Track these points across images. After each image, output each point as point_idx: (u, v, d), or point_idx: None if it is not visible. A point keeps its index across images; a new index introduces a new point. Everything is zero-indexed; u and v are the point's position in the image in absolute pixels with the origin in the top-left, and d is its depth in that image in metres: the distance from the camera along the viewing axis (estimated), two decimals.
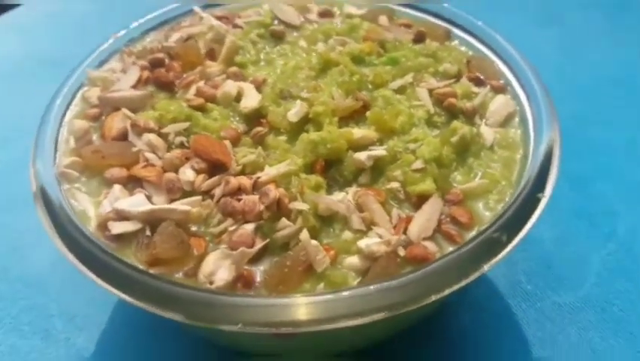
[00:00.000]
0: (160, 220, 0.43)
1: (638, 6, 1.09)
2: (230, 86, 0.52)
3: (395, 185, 0.45)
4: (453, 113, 0.51)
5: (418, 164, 0.46)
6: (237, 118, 0.52)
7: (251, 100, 0.50)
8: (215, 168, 0.46)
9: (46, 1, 1.14)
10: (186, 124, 0.48)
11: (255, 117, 0.51)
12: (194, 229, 0.44)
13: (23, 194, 0.73)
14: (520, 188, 0.44)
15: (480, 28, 0.59)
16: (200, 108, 0.51)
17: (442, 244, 0.43)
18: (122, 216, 0.43)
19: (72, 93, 0.54)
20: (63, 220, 0.43)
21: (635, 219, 0.70)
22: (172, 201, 0.44)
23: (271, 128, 0.50)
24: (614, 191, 0.75)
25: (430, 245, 0.42)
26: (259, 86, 0.53)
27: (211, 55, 0.57)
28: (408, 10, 0.65)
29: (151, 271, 0.41)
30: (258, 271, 0.41)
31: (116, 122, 0.50)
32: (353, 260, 0.41)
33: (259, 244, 0.42)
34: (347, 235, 0.42)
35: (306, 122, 0.50)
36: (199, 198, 0.44)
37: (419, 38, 0.59)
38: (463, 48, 0.60)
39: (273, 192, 0.42)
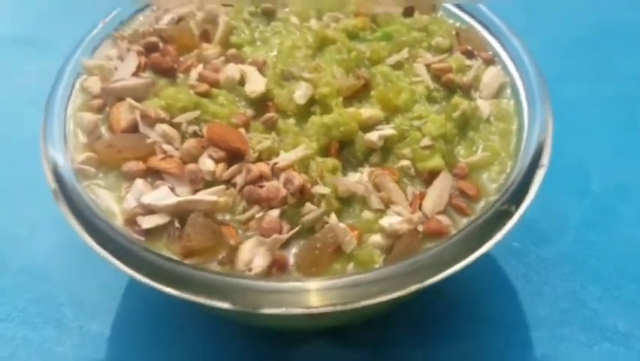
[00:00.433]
0: (187, 212, 0.44)
1: None
2: (233, 70, 0.53)
3: (405, 163, 0.48)
4: (451, 88, 0.53)
5: (426, 141, 0.48)
6: (243, 102, 0.52)
7: (257, 84, 0.51)
8: (233, 155, 0.47)
9: None
10: (197, 112, 0.49)
11: (261, 101, 0.52)
12: (220, 217, 0.45)
13: (9, 184, 0.73)
14: (520, 160, 0.48)
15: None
16: (206, 94, 0.52)
17: (454, 217, 0.46)
18: (149, 210, 0.44)
19: (71, 84, 0.53)
20: (92, 219, 0.43)
21: (607, 175, 0.75)
22: (195, 191, 0.45)
23: (278, 112, 0.51)
24: (587, 148, 0.79)
25: (444, 219, 0.46)
26: (260, 68, 0.54)
27: (205, 36, 0.58)
28: None
29: (186, 261, 0.42)
30: (290, 255, 0.43)
31: (123, 114, 0.50)
32: (376, 238, 0.44)
33: (287, 228, 0.44)
34: (368, 214, 0.45)
35: (312, 103, 0.51)
36: (223, 187, 0.45)
37: (408, 12, 0.60)
38: (450, 20, 0.62)
39: (298, 178, 0.44)
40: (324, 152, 0.48)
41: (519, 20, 0.96)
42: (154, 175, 0.47)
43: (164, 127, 0.48)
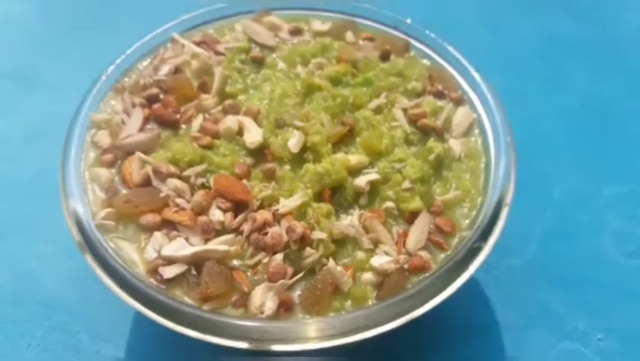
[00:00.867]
0: (202, 260, 0.50)
1: None
2: (231, 122, 0.59)
3: (390, 204, 0.55)
4: (425, 131, 0.60)
5: (407, 184, 0.55)
6: (243, 151, 0.58)
7: (254, 135, 0.58)
8: (239, 205, 0.53)
9: None
10: (203, 166, 0.55)
11: (258, 149, 0.58)
12: (231, 263, 0.51)
13: (13, 220, 0.77)
14: (488, 197, 0.55)
15: (434, 40, 0.68)
16: (209, 146, 0.58)
17: (433, 252, 0.54)
18: (168, 261, 0.50)
19: (82, 138, 0.59)
20: (119, 271, 0.49)
21: (566, 184, 0.82)
22: (207, 240, 0.52)
23: (274, 159, 0.58)
24: (546, 159, 0.86)
25: (425, 254, 0.53)
26: (255, 117, 0.60)
27: (203, 87, 0.63)
28: (368, 23, 0.72)
29: (204, 306, 0.49)
30: (295, 295, 0.50)
31: (135, 167, 0.56)
32: (369, 276, 0.51)
33: (290, 271, 0.50)
34: (360, 254, 0.52)
35: (304, 150, 0.58)
36: (232, 236, 0.52)
37: (385, 56, 0.67)
38: (424, 60, 0.68)
39: (299, 227, 0.50)
40: (318, 197, 0.55)
41: (481, 35, 1.05)
42: (169, 226, 0.53)
43: (175, 181, 0.54)
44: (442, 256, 0.53)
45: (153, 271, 0.51)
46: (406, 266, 0.51)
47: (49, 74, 0.97)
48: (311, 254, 0.51)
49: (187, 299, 0.50)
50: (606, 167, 0.85)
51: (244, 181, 0.55)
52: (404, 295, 0.48)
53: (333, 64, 0.66)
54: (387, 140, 0.58)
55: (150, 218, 0.53)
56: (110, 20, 1.06)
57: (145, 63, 0.66)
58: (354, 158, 0.57)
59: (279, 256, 0.51)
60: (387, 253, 0.52)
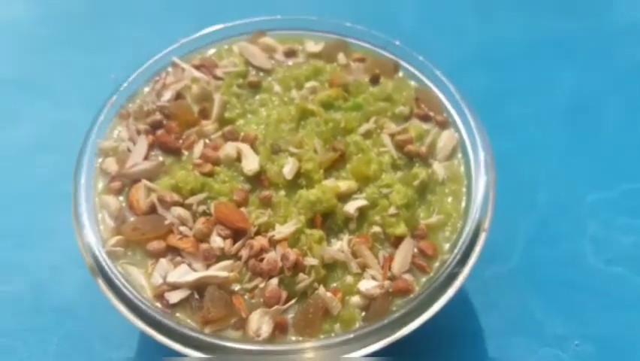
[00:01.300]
0: (205, 285, 0.55)
1: None
2: (230, 149, 0.63)
3: (377, 229, 0.60)
4: (411, 157, 0.64)
5: (392, 210, 0.60)
6: (241, 178, 0.63)
7: (252, 162, 0.62)
8: (237, 232, 0.58)
9: None
10: (204, 195, 0.60)
11: (255, 175, 0.62)
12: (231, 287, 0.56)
13: (27, 231, 0.82)
14: (468, 222, 0.59)
15: (421, 62, 0.72)
16: (210, 174, 0.62)
17: (416, 274, 0.59)
18: (173, 286, 0.55)
19: (92, 166, 0.63)
20: (129, 297, 0.54)
21: (551, 190, 0.85)
22: (208, 265, 0.56)
23: (270, 184, 0.62)
24: (533, 164, 0.89)
25: (408, 277, 0.58)
26: (253, 143, 0.64)
27: (203, 113, 0.67)
28: (359, 43, 0.75)
29: (206, 329, 0.54)
30: (289, 318, 0.55)
31: (141, 195, 0.60)
32: (356, 299, 0.56)
33: (284, 295, 0.55)
34: (349, 278, 0.57)
35: (298, 175, 0.62)
36: (231, 262, 0.56)
37: (374, 79, 0.71)
38: (412, 82, 0.72)
39: (292, 255, 0.55)
40: (311, 223, 0.59)
41: (470, 32, 1.07)
42: (174, 252, 0.58)
43: (179, 210, 0.59)
44: (424, 279, 0.58)
45: (160, 296, 0.55)
46: (390, 290, 0.56)
47: (54, 80, 1.00)
48: (303, 279, 0.55)
49: (190, 322, 0.55)
50: (590, 173, 0.88)
51: (242, 208, 0.59)
52: (388, 319, 0.53)
53: (325, 87, 0.70)
54: (376, 165, 0.62)
55: (156, 245, 0.57)
56: (113, 27, 1.09)
57: (147, 89, 0.70)
58: (344, 184, 0.61)
59: (275, 281, 0.56)
60: (373, 278, 0.56)
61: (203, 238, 0.58)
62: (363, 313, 0.56)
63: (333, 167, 0.63)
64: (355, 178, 0.62)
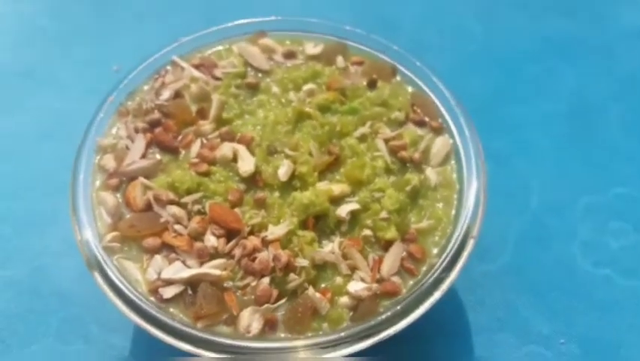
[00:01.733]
0: (198, 281, 0.57)
1: None
2: (227, 149, 0.65)
3: (368, 232, 0.61)
4: (404, 162, 0.66)
5: (384, 214, 0.61)
6: (236, 178, 0.64)
7: (247, 163, 0.63)
8: (231, 232, 0.60)
9: None
10: (200, 194, 0.61)
11: (251, 176, 0.64)
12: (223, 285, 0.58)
13: (36, 214, 0.84)
14: (458, 227, 0.61)
15: (418, 67, 0.73)
16: (206, 173, 0.63)
17: (404, 277, 0.60)
18: (167, 282, 0.57)
19: (89, 162, 0.65)
20: (124, 291, 0.56)
21: (545, 191, 0.86)
22: (202, 263, 0.58)
23: (265, 185, 0.64)
24: (529, 166, 0.90)
25: (396, 279, 0.60)
26: (249, 144, 0.66)
27: (201, 113, 0.68)
28: (358, 45, 0.76)
29: (198, 324, 0.56)
30: (279, 316, 0.57)
31: (138, 192, 0.62)
32: (345, 300, 0.58)
33: (275, 293, 0.57)
34: (339, 279, 0.59)
35: (293, 177, 0.64)
36: (224, 260, 0.58)
37: (372, 83, 0.72)
38: (409, 87, 0.73)
39: (284, 256, 0.57)
40: (303, 225, 0.61)
41: (472, 33, 1.07)
42: (168, 249, 0.60)
43: (174, 208, 0.60)
44: (412, 282, 0.60)
45: (154, 291, 0.57)
46: (378, 292, 0.58)
47: (57, 70, 1.01)
48: (294, 279, 0.57)
49: (183, 317, 0.57)
50: (584, 177, 0.89)
51: (237, 208, 0.61)
52: (374, 320, 0.55)
53: (322, 90, 0.71)
54: (369, 170, 0.64)
55: (151, 241, 0.59)
56: (117, 18, 1.09)
57: (147, 86, 0.71)
58: (338, 188, 0.62)
59: (266, 280, 0.57)
60: (362, 279, 0.58)
61: (197, 236, 0.60)
62: (351, 313, 0.58)
63: (327, 169, 0.65)
64: (349, 182, 0.63)
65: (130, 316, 0.56)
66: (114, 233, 0.60)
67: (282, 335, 0.56)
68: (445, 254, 0.60)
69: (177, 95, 0.70)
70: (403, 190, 0.63)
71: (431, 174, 0.65)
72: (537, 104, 0.98)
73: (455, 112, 0.69)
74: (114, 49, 1.03)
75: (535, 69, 1.02)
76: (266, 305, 0.56)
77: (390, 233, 0.60)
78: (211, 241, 0.59)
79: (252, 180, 0.64)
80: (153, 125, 0.67)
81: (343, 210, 0.61)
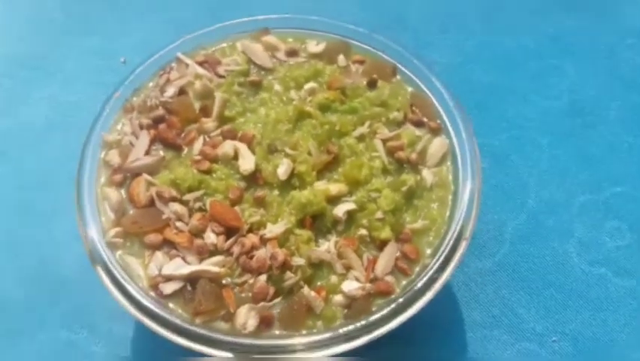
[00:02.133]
0: (197, 277, 0.59)
1: None
2: (228, 147, 0.66)
3: (364, 232, 0.63)
4: (401, 162, 0.67)
5: (379, 214, 0.63)
6: (237, 175, 0.66)
7: (248, 162, 0.65)
8: (230, 229, 0.61)
9: None
10: (201, 192, 0.63)
11: (251, 174, 0.65)
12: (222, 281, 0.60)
13: (42, 205, 0.86)
14: (451, 228, 0.62)
15: (419, 68, 0.74)
16: (207, 171, 0.65)
17: (398, 276, 0.62)
18: (168, 278, 0.59)
19: (96, 160, 0.66)
20: (126, 287, 0.58)
21: (542, 189, 0.88)
22: (201, 259, 0.60)
23: (265, 183, 0.65)
24: (526, 163, 0.91)
25: (390, 278, 0.61)
26: (250, 143, 0.67)
27: (205, 110, 0.70)
28: (360, 44, 0.77)
29: (197, 319, 0.58)
30: (275, 313, 0.59)
31: (142, 188, 0.64)
32: (339, 298, 0.60)
33: (272, 290, 0.59)
34: (334, 278, 0.61)
35: (292, 176, 0.65)
36: (223, 257, 0.60)
37: (372, 83, 0.73)
38: (408, 88, 0.74)
39: (281, 255, 0.59)
40: (301, 223, 0.63)
41: (474, 28, 1.07)
42: (169, 245, 0.62)
43: (176, 206, 0.62)
44: (405, 281, 0.61)
45: (154, 286, 0.59)
46: (372, 291, 0.59)
47: (65, 62, 1.03)
48: (290, 277, 0.59)
49: (182, 312, 0.59)
50: (582, 175, 0.90)
51: (237, 206, 0.63)
52: (366, 320, 0.57)
53: (323, 89, 0.72)
54: (367, 170, 0.65)
55: (153, 238, 0.61)
56: (126, 10, 1.10)
57: (152, 83, 0.73)
58: (335, 187, 0.64)
59: (263, 277, 0.59)
60: (357, 279, 0.60)
61: (197, 233, 0.61)
62: (345, 311, 0.59)
63: (326, 169, 0.66)
64: (346, 181, 0.65)
65: (130, 311, 0.58)
66: (117, 229, 0.62)
67: (277, 333, 0.58)
68: (438, 255, 0.61)
69: (181, 92, 0.71)
70: (398, 191, 0.64)
71: (427, 174, 0.67)
72: (536, 101, 0.98)
73: (453, 113, 0.69)
74: (122, 41, 1.05)
75: (536, 66, 1.02)
76: (262, 303, 0.58)
77: (385, 233, 0.62)
78: (211, 238, 0.61)
79: (252, 179, 0.65)
80: (157, 121, 0.69)
81: (340, 210, 0.63)
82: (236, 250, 0.60)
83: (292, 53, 0.77)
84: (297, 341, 0.57)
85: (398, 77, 0.75)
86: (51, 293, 0.80)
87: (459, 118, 0.69)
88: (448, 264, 0.60)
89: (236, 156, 0.66)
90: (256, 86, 0.73)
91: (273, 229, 0.61)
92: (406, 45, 0.77)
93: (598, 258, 0.83)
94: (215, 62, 0.74)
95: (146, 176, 0.64)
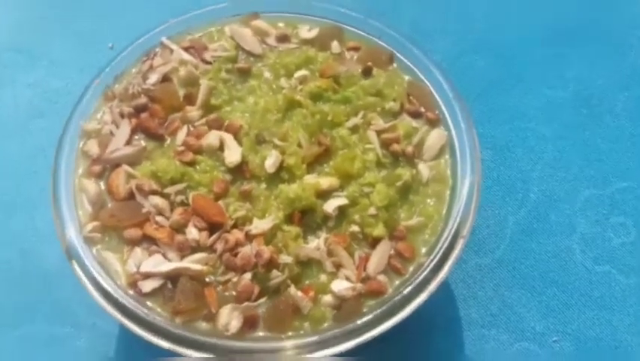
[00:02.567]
0: (178, 275, 0.56)
1: None
2: (213, 138, 0.63)
3: (355, 228, 0.59)
4: (396, 156, 0.63)
5: (372, 210, 0.59)
6: (222, 167, 0.62)
7: (234, 153, 0.61)
8: (214, 225, 0.58)
9: None
10: (183, 185, 0.60)
11: (237, 166, 0.62)
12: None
13: (17, 197, 0.83)
14: (448, 226, 0.59)
15: (417, 56, 0.70)
16: (191, 163, 0.62)
17: (391, 276, 0.59)
18: (147, 275, 0.56)
19: (74, 150, 0.63)
20: (103, 285, 0.55)
21: (545, 184, 0.84)
22: (183, 256, 0.57)
23: (252, 176, 0.62)
24: (529, 156, 0.88)
25: (383, 278, 0.58)
26: (236, 133, 0.64)
27: (189, 98, 0.66)
28: (355, 30, 0.73)
29: (177, 319, 0.55)
30: (259, 312, 0.56)
31: (121, 180, 0.61)
32: (328, 298, 0.57)
33: (257, 289, 0.56)
34: (323, 277, 0.57)
35: (281, 169, 0.62)
36: (205, 255, 0.57)
37: (367, 71, 0.69)
38: (405, 77, 0.70)
39: (266, 252, 0.55)
40: (289, 219, 0.59)
41: (482, 15, 1.03)
42: (149, 240, 0.59)
43: (157, 199, 0.59)
44: (398, 281, 0.58)
45: (133, 284, 0.56)
46: (363, 291, 0.56)
47: (50, 47, 0.99)
48: (277, 276, 0.56)
49: (161, 311, 0.56)
50: (586, 169, 0.87)
51: (220, 202, 0.59)
52: (354, 324, 0.54)
53: (315, 77, 0.68)
54: (360, 163, 0.61)
55: (132, 233, 0.58)
56: None
57: (134, 70, 0.69)
58: (326, 181, 0.60)
59: (248, 276, 0.56)
60: (347, 278, 0.57)
61: (179, 228, 0.58)
62: (335, 312, 0.56)
63: (316, 161, 0.63)
64: (338, 175, 0.61)
65: (107, 309, 0.55)
66: (95, 223, 0.59)
67: (262, 334, 0.55)
68: (434, 254, 0.58)
69: (165, 79, 0.67)
70: (393, 185, 0.61)
71: (423, 168, 0.63)
72: (540, 91, 0.94)
73: (452, 104, 0.66)
74: (110, 26, 1.01)
75: (541, 54, 0.98)
76: (246, 303, 0.55)
77: (378, 230, 0.58)
78: (193, 233, 0.57)
79: (239, 171, 0.62)
80: (139, 110, 0.65)
81: (330, 206, 0.59)
82: (219, 246, 0.57)
83: (283, 39, 0.73)
84: (283, 343, 0.53)
85: (395, 65, 0.71)
86: (33, 287, 0.78)
87: (458, 109, 0.65)
88: (444, 263, 0.57)
89: (221, 147, 0.63)
90: (244, 74, 0.70)
91: (259, 225, 0.58)
92: (403, 32, 0.73)
93: (602, 255, 0.80)
94: (202, 48, 0.70)
95: (126, 167, 0.61)
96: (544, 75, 0.95)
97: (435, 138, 0.65)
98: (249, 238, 0.58)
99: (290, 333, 0.55)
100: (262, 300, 0.56)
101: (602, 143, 0.89)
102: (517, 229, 0.82)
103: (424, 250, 0.60)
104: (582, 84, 0.95)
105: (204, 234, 0.58)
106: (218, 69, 0.68)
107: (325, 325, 0.56)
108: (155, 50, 0.71)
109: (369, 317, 0.54)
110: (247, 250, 0.56)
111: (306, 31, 0.73)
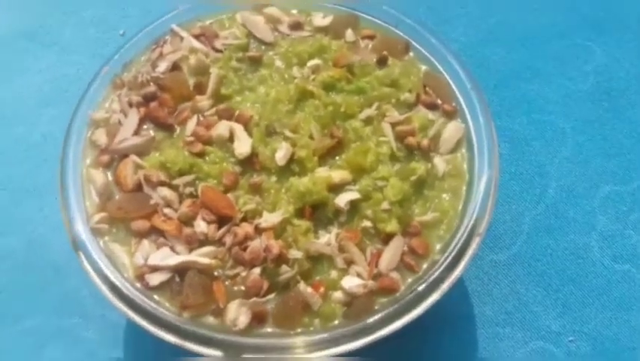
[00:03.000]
0: (186, 268, 0.55)
1: None
2: (223, 128, 0.61)
3: (368, 224, 0.58)
4: (411, 149, 0.61)
5: (385, 205, 0.57)
6: (232, 159, 0.61)
7: (244, 145, 0.60)
8: (222, 218, 0.57)
9: None
10: (192, 176, 0.58)
11: (247, 158, 0.60)
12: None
13: (26, 185, 0.82)
14: (464, 223, 0.57)
15: (434, 46, 0.67)
16: (200, 154, 0.60)
17: (403, 273, 0.57)
18: (154, 269, 0.55)
19: (82, 139, 0.62)
20: (110, 278, 0.54)
21: (563, 179, 0.82)
22: (191, 249, 0.56)
23: (262, 168, 0.60)
24: (547, 149, 0.86)
25: (395, 275, 0.56)
26: (247, 124, 0.62)
27: (199, 87, 0.65)
28: (371, 18, 0.71)
29: (184, 313, 0.54)
30: (268, 308, 0.54)
31: (129, 171, 0.59)
32: (339, 295, 0.55)
33: (266, 285, 0.54)
34: (333, 273, 0.56)
35: (291, 161, 0.60)
36: (214, 248, 0.55)
37: (382, 60, 0.67)
38: (422, 67, 0.68)
39: (276, 247, 0.54)
40: (300, 213, 0.58)
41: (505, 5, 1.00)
42: (157, 233, 0.57)
43: (165, 191, 0.58)
44: (411, 279, 0.56)
45: (140, 277, 0.55)
46: (374, 288, 0.55)
47: (62, 33, 0.98)
48: (286, 271, 0.54)
49: (169, 305, 0.55)
50: (607, 164, 0.84)
51: (229, 194, 0.58)
52: (364, 323, 0.53)
53: (328, 66, 0.66)
54: (373, 157, 0.60)
55: (140, 225, 0.57)
56: None
57: (144, 58, 0.68)
58: (338, 175, 0.59)
59: (257, 270, 0.55)
60: (359, 274, 0.55)
61: (187, 221, 0.57)
62: (345, 309, 0.55)
63: (328, 154, 0.61)
64: (350, 168, 0.60)
65: (113, 302, 0.54)
66: (102, 214, 0.58)
67: (271, 330, 0.54)
68: (448, 251, 0.56)
69: (175, 67, 0.66)
70: (407, 180, 0.59)
71: (439, 162, 0.61)
72: (560, 82, 0.91)
73: (470, 95, 0.64)
74: (122, 13, 1.00)
75: (561, 45, 0.95)
76: (254, 299, 0.53)
77: (391, 226, 0.57)
78: (201, 226, 0.56)
79: (249, 163, 0.61)
80: (148, 99, 0.64)
81: (342, 200, 0.58)
82: (228, 240, 0.56)
83: (296, 27, 0.71)
84: (292, 340, 0.52)
85: (411, 54, 0.69)
86: (42, 277, 0.77)
87: (476, 101, 0.63)
88: (459, 261, 0.55)
89: (231, 138, 0.61)
90: (256, 62, 0.68)
91: (269, 219, 0.56)
92: (420, 20, 0.70)
93: (622, 253, 0.78)
94: (213, 35, 0.69)
95: (134, 158, 0.60)
96: (563, 67, 0.93)
97: (451, 130, 0.63)
98: (259, 231, 0.56)
99: (299, 330, 0.54)
100: (271, 295, 0.54)
101: (623, 137, 0.87)
102: (535, 224, 0.80)
103: (438, 247, 0.58)
104: (603, 76, 0.92)
105: (213, 227, 0.56)
106: (228, 58, 0.67)
107: (335, 322, 0.54)
108: (165, 38, 0.69)
109: (381, 315, 0.53)
110: (256, 244, 0.55)
111: (320, 19, 0.71)
